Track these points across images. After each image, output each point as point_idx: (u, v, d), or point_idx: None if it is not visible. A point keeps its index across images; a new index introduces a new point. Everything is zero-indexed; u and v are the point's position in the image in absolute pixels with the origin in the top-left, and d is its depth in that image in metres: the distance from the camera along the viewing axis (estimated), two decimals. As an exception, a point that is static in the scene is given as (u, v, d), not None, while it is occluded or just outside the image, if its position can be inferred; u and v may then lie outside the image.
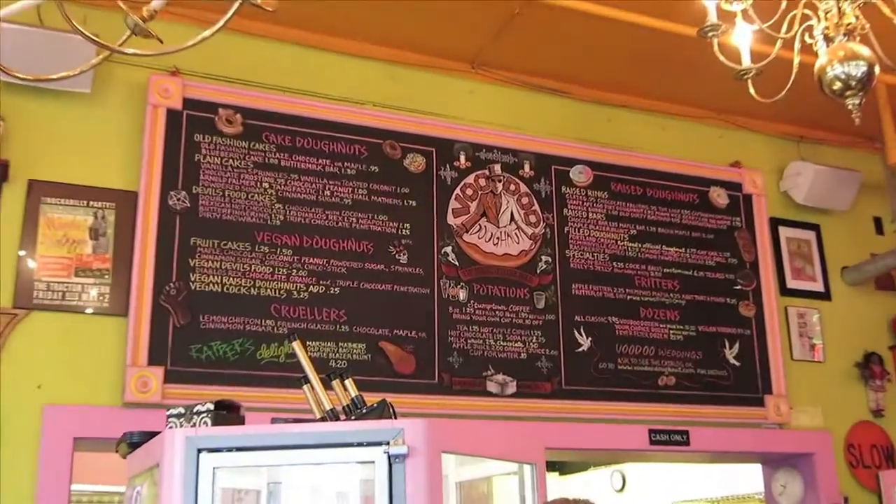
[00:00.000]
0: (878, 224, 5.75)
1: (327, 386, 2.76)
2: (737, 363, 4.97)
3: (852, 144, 5.65)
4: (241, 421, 2.54)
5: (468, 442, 2.47)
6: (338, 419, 2.59)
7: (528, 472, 2.71)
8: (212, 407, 2.44)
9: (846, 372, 5.30)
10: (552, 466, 8.72)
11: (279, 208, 4.21)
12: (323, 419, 2.62)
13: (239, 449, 2.23)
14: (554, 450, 4.51)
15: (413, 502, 2.16)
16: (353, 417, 2.59)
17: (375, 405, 2.69)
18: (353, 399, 2.77)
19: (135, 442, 2.71)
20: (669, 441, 4.68)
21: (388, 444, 2.21)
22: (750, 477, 5.89)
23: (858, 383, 5.30)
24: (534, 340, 4.54)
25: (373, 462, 2.20)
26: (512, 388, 4.41)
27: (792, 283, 5.31)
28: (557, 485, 8.62)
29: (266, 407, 3.70)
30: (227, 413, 2.48)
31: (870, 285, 5.56)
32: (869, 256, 5.54)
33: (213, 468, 2.22)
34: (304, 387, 2.81)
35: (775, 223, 5.38)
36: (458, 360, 4.35)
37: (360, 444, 2.22)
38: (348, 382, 2.82)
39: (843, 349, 5.34)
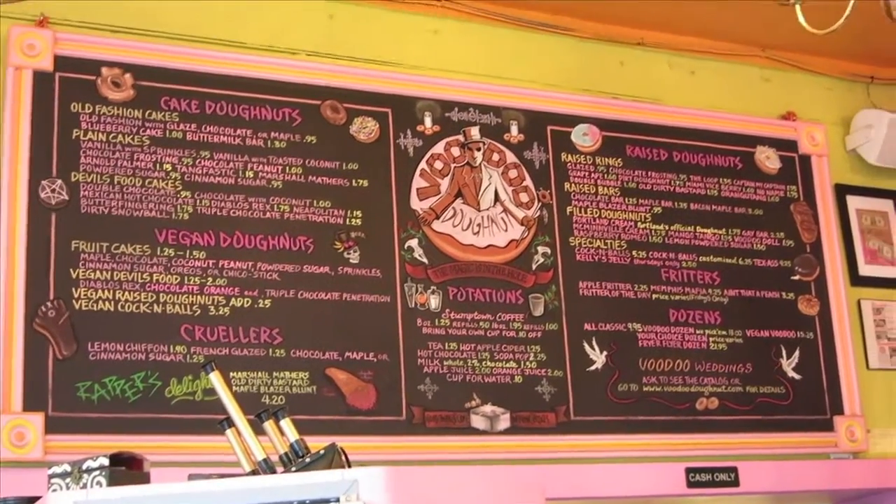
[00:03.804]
0: (975, 187, 5.87)
1: (258, 429, 2.82)
2: (797, 376, 5.08)
3: (939, 85, 5.79)
4: (146, 479, 2.60)
5: (443, 494, 2.52)
6: (274, 472, 2.66)
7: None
8: (106, 462, 2.49)
9: (940, 382, 5.43)
10: (564, 523, 8.80)
11: (186, 197, 4.26)
12: (254, 473, 2.68)
13: (144, 515, 2.30)
14: (561, 501, 4.58)
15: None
16: (293, 469, 2.66)
17: (322, 452, 2.75)
18: (292, 445, 2.83)
19: (9, 511, 2.77)
20: (713, 482, 4.77)
21: (338, 500, 2.27)
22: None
23: (956, 397, 5.43)
24: (531, 358, 4.62)
25: (319, 525, 2.26)
26: (504, 422, 4.49)
27: (865, 270, 5.43)
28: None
29: (181, 460, 3.75)
30: (126, 469, 2.53)
31: (968, 268, 5.68)
32: (966, 231, 5.66)
33: (112, 541, 2.28)
34: (228, 431, 2.86)
35: (842, 192, 5.50)
36: (431, 389, 4.43)
37: (301, 503, 2.27)
38: (285, 423, 2.87)
39: (936, 353, 5.45)
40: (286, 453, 2.81)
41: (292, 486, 2.30)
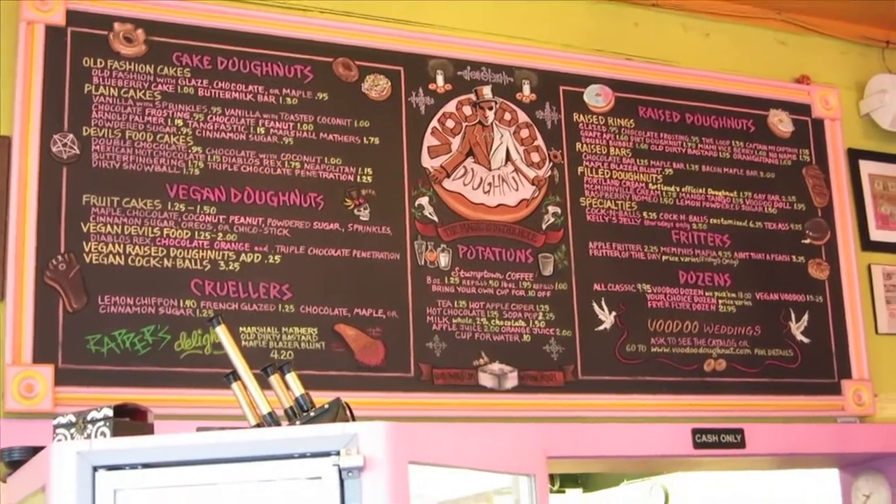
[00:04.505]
0: None
1: (264, 383, 2.83)
2: (806, 340, 5.06)
3: (953, 51, 5.75)
4: (150, 430, 2.61)
5: (443, 450, 2.52)
6: (278, 425, 2.66)
7: (525, 487, 2.78)
8: (110, 413, 2.50)
9: (948, 348, 5.41)
10: (573, 481, 8.86)
11: (197, 153, 4.25)
12: (259, 426, 2.68)
13: (145, 466, 2.29)
14: (567, 459, 4.60)
15: (372, 529, 2.21)
16: (297, 423, 2.66)
17: (327, 406, 2.76)
18: (297, 399, 2.84)
19: (15, 460, 2.78)
20: (719, 443, 4.78)
21: (338, 454, 2.27)
22: (825, 485, 5.99)
23: (965, 362, 5.42)
24: (540, 318, 4.61)
25: (320, 478, 2.26)
26: (512, 380, 4.49)
27: (877, 235, 5.40)
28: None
29: (189, 413, 3.78)
30: (130, 420, 2.54)
31: (979, 234, 5.66)
32: (978, 196, 5.63)
33: (114, 490, 2.28)
34: (234, 385, 2.88)
35: (855, 156, 5.46)
36: (440, 346, 4.42)
37: (302, 456, 2.28)
38: (291, 378, 2.88)
39: (945, 318, 5.43)
40: (291, 407, 2.82)
41: (293, 440, 2.31)
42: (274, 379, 2.92)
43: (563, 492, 8.59)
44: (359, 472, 2.27)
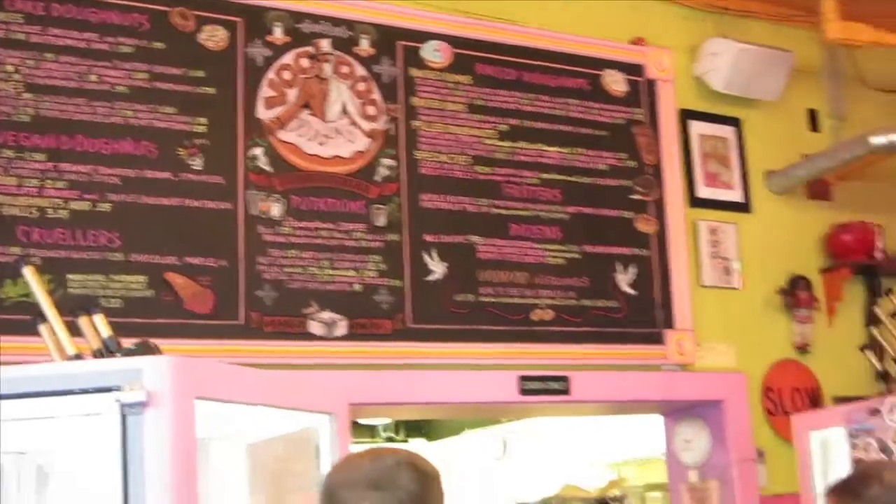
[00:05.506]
0: (813, 118, 6.05)
1: (74, 328, 2.85)
2: (632, 292, 5.22)
3: (785, 19, 5.91)
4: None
5: (232, 389, 2.57)
6: (83, 367, 2.69)
7: (326, 425, 2.86)
8: None
9: (767, 301, 5.64)
10: (417, 430, 9.01)
11: (28, 99, 4.20)
12: (63, 368, 2.71)
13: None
14: (393, 405, 4.71)
15: (153, 467, 2.23)
16: (102, 364, 2.69)
17: (134, 347, 2.79)
18: (104, 341, 2.86)
19: None
20: (545, 390, 4.91)
21: (119, 389, 2.30)
22: (655, 432, 6.21)
23: (782, 314, 5.65)
24: (371, 268, 4.68)
25: (100, 414, 2.28)
26: (342, 328, 4.56)
27: (703, 192, 5.59)
28: (423, 452, 8.90)
29: (14, 361, 3.73)
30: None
31: (800, 194, 5.88)
32: (800, 158, 5.83)
33: None
34: (41, 327, 2.90)
35: (686, 116, 5.63)
36: (270, 295, 4.46)
37: (84, 392, 2.29)
38: (98, 319, 2.91)
39: (765, 273, 5.66)
40: (99, 349, 2.85)
41: (72, 375, 2.32)
42: (83, 321, 2.95)
43: (407, 441, 8.73)
44: (142, 407, 2.29)
